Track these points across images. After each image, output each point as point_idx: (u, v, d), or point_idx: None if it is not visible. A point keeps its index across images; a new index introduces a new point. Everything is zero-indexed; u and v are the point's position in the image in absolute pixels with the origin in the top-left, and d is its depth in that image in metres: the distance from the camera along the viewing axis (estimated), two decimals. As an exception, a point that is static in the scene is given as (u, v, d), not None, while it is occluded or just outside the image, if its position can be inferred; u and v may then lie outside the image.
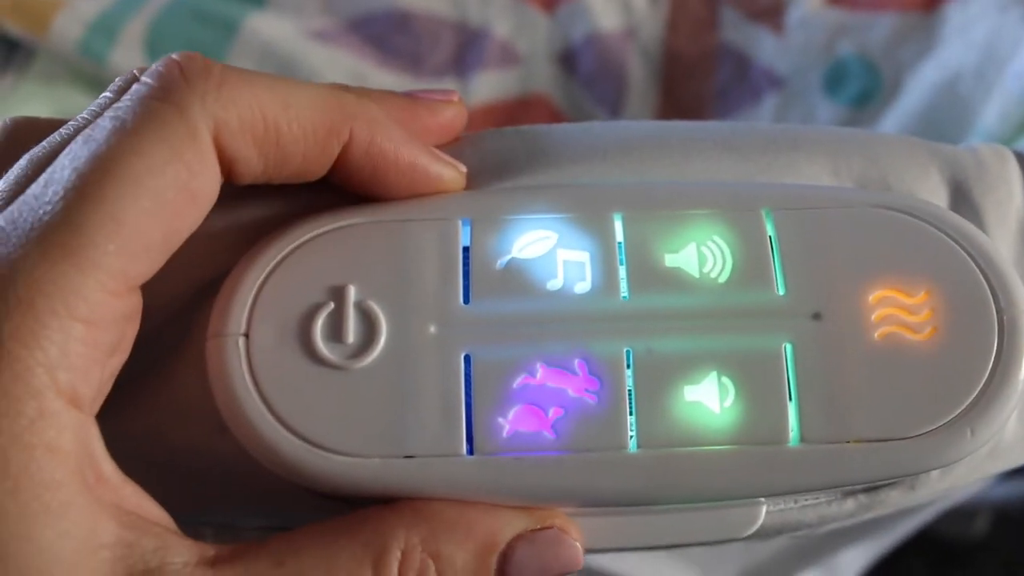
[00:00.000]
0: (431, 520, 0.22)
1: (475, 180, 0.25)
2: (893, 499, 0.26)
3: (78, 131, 0.22)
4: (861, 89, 0.75)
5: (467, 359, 0.23)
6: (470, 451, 0.22)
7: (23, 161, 0.23)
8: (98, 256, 0.20)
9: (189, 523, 0.27)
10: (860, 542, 0.57)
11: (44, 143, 0.23)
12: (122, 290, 0.20)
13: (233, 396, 0.22)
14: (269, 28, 0.73)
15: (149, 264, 0.21)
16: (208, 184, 0.22)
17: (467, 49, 0.76)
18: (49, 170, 0.21)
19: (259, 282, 0.23)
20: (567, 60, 0.77)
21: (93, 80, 0.77)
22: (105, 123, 0.21)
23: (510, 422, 0.22)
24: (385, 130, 0.23)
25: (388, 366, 0.23)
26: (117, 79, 0.24)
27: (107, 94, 0.24)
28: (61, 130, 0.24)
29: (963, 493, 0.53)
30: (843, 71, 0.75)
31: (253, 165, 0.22)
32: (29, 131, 0.26)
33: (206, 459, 0.24)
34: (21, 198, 0.21)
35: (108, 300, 0.20)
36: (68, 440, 0.19)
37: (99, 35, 0.75)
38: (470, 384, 0.23)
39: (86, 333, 0.20)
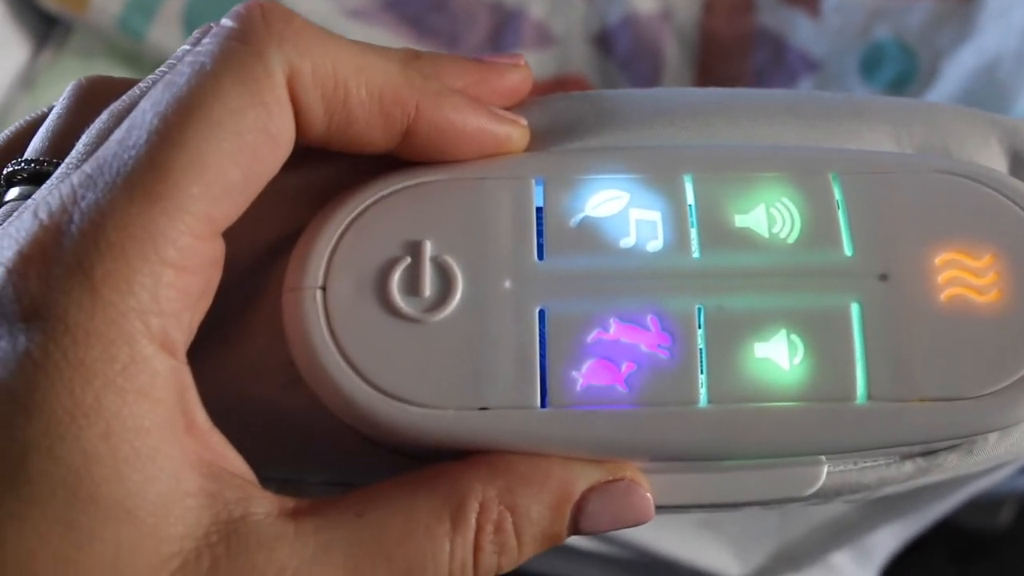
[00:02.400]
0: (507, 474, 0.22)
1: (544, 141, 0.26)
2: (951, 463, 0.27)
3: (156, 84, 0.22)
4: (897, 73, 0.75)
5: (541, 314, 0.23)
6: (544, 404, 0.23)
7: (104, 115, 0.24)
8: (184, 199, 0.20)
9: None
10: (892, 523, 0.58)
11: (124, 96, 0.24)
12: (208, 234, 0.21)
13: (310, 348, 0.23)
14: (306, 6, 0.74)
15: (232, 207, 0.21)
16: (285, 127, 0.22)
17: (503, 29, 0.76)
18: (131, 116, 0.21)
19: (336, 236, 0.23)
20: (603, 41, 0.77)
21: (131, 56, 0.77)
22: (185, 67, 0.21)
23: (583, 376, 0.23)
24: (451, 101, 0.24)
25: (464, 320, 0.23)
26: (195, 32, 0.25)
27: (185, 47, 0.24)
28: (140, 84, 0.24)
29: (989, 482, 0.53)
30: (879, 55, 0.75)
31: (318, 122, 0.22)
32: (103, 89, 0.27)
33: (273, 414, 0.25)
34: (105, 145, 0.21)
35: (195, 244, 0.20)
36: (160, 386, 0.20)
37: (138, 12, 0.75)
38: (544, 338, 0.23)
39: (176, 278, 0.20)
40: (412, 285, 0.23)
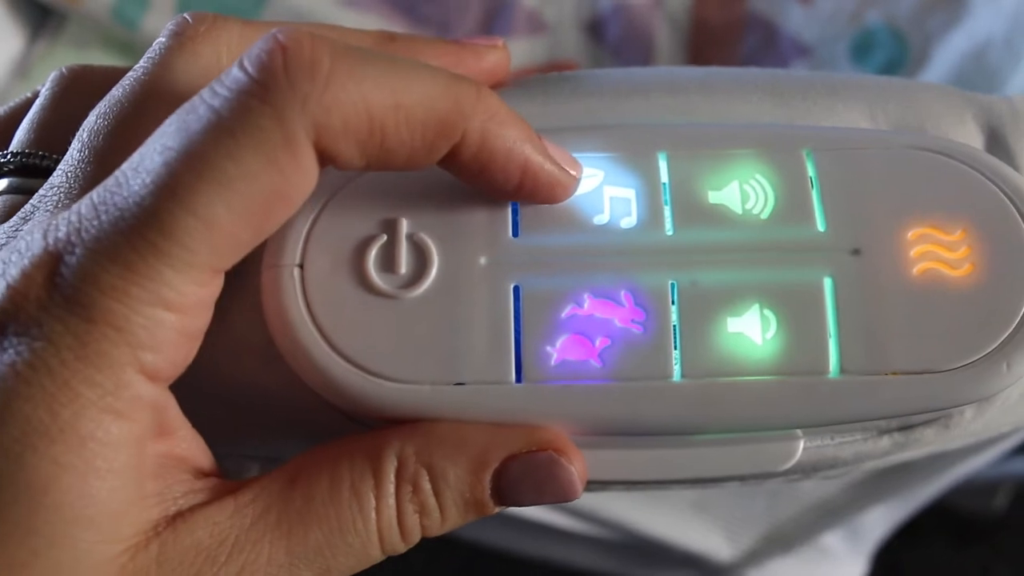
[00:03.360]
0: (426, 434, 0.23)
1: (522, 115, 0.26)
2: (928, 437, 0.27)
3: (170, 121, 0.21)
4: (888, 58, 0.75)
5: (516, 290, 0.23)
6: (519, 379, 0.23)
7: (93, 117, 0.24)
8: (189, 256, 0.20)
9: (236, 456, 0.28)
10: (883, 504, 0.58)
11: (120, 95, 0.24)
12: (211, 280, 0.21)
13: (288, 324, 0.23)
14: (300, -5, 0.74)
15: (239, 255, 0.21)
16: (302, 185, 0.21)
17: (495, 17, 0.76)
18: (140, 152, 0.21)
19: (314, 215, 0.24)
20: (594, 28, 0.77)
21: (125, 45, 0.78)
22: (200, 112, 0.20)
23: (558, 351, 0.23)
24: (501, 127, 0.22)
25: (439, 296, 0.23)
26: (177, 19, 0.25)
27: (162, 39, 0.24)
28: (125, 80, 0.24)
29: (983, 465, 0.53)
30: (870, 40, 0.75)
31: (355, 162, 0.21)
32: (86, 78, 0.27)
33: (254, 391, 0.25)
34: (114, 177, 0.21)
35: (197, 290, 0.20)
36: (138, 408, 0.20)
37: (131, 2, 0.75)
38: (519, 314, 0.23)
39: (176, 320, 0.20)
40: (388, 262, 0.23)
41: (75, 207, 0.21)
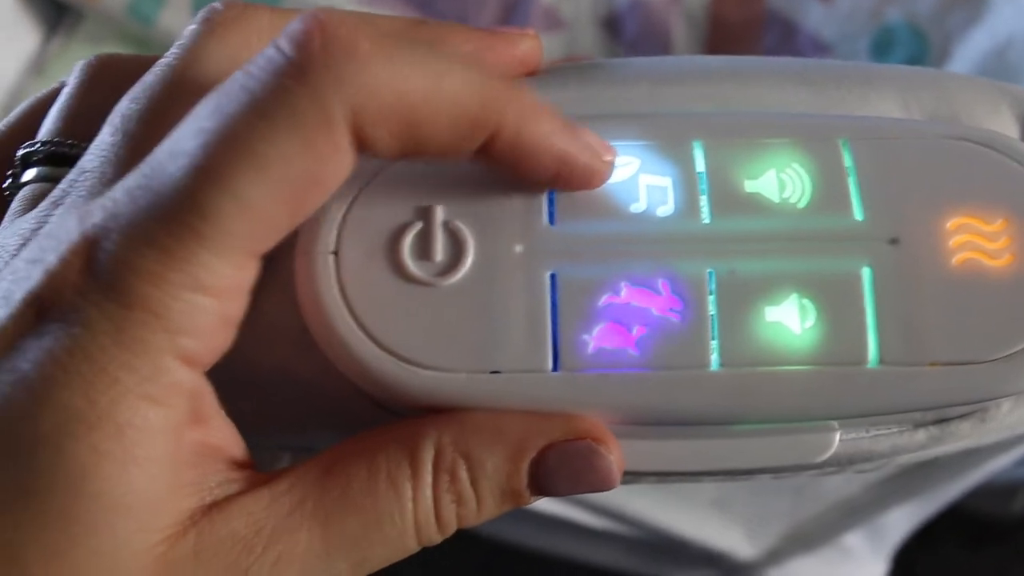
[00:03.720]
0: (463, 423, 0.23)
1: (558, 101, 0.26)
2: (964, 431, 0.27)
3: (204, 101, 0.21)
4: (908, 56, 0.75)
5: (553, 278, 0.23)
6: (555, 367, 0.23)
7: (127, 101, 0.23)
8: (227, 237, 0.20)
9: (268, 447, 0.28)
10: (905, 503, 0.58)
11: (151, 83, 0.24)
12: (249, 263, 0.21)
13: (322, 311, 0.23)
14: (316, -11, 0.74)
15: (275, 238, 0.21)
16: (339, 169, 0.21)
17: (512, 12, 0.76)
18: (175, 135, 0.20)
19: (349, 201, 0.24)
20: (612, 24, 0.77)
21: (141, 41, 0.78)
22: (235, 93, 0.20)
23: (595, 339, 0.23)
24: (536, 119, 0.22)
25: (475, 283, 0.23)
26: (200, 11, 0.24)
27: (193, 26, 0.24)
28: (154, 68, 0.24)
29: (1007, 465, 0.53)
30: (890, 38, 0.75)
31: (389, 148, 0.21)
32: (113, 67, 0.27)
33: (286, 378, 0.25)
34: (148, 160, 0.20)
35: (235, 273, 0.20)
36: (175, 394, 0.20)
37: (148, -2, 0.76)
38: (556, 302, 0.23)
39: (214, 304, 0.20)
40: (424, 249, 0.23)
41: (110, 192, 0.21)
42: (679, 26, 0.76)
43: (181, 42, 0.24)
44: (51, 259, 0.20)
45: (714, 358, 0.23)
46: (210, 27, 0.24)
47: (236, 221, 0.20)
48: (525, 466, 0.23)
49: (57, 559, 0.19)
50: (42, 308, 0.20)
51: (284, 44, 0.20)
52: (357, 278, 0.23)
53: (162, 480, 0.20)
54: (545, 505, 0.52)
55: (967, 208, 0.24)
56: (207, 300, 0.20)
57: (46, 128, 0.26)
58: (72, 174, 0.23)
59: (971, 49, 0.73)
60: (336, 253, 0.23)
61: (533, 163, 0.23)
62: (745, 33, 0.76)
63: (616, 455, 0.23)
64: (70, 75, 0.27)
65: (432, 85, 0.21)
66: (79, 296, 0.19)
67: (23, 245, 0.22)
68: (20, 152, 0.25)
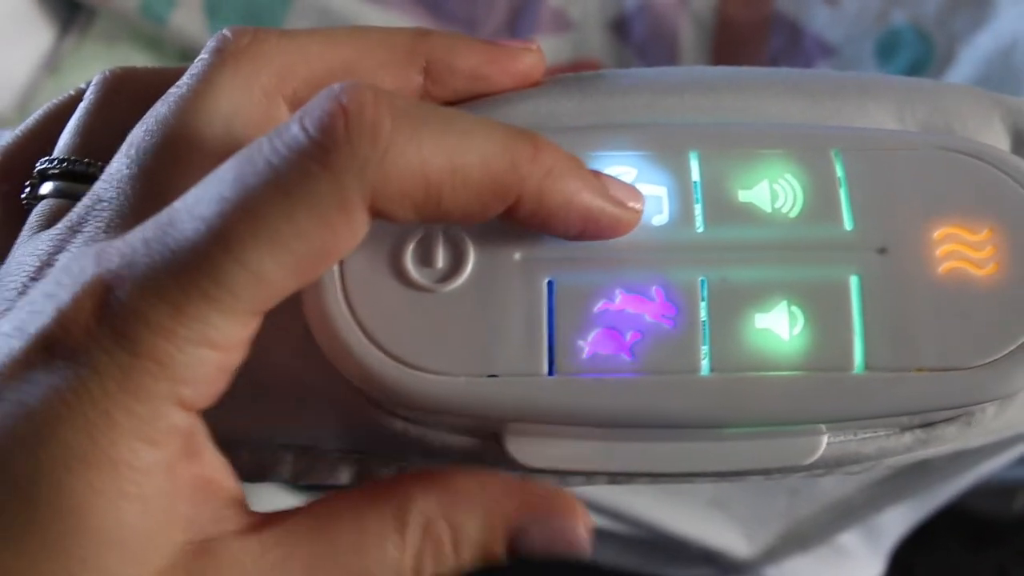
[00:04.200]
0: (448, 489, 0.23)
1: (563, 114, 0.27)
2: (950, 435, 0.27)
3: (228, 163, 0.22)
4: (913, 59, 0.75)
5: (550, 284, 0.24)
6: (551, 371, 0.24)
7: (141, 131, 0.24)
8: (237, 303, 0.20)
9: (272, 446, 0.29)
10: (900, 504, 0.58)
11: (166, 105, 0.24)
12: (253, 321, 0.21)
13: (327, 315, 0.24)
14: (327, -9, 0.74)
15: (280, 299, 0.22)
16: (350, 243, 0.21)
17: (521, 14, 0.77)
18: (196, 195, 0.21)
19: None
20: (619, 26, 0.77)
21: (153, 40, 0.79)
22: (260, 166, 0.21)
23: (590, 344, 0.24)
24: (560, 180, 0.22)
25: (475, 290, 0.24)
26: (210, 41, 0.25)
27: (204, 56, 0.25)
28: (173, 89, 0.25)
29: (1001, 467, 0.53)
30: (896, 40, 0.75)
31: (408, 218, 0.22)
32: (129, 82, 0.28)
33: (290, 380, 0.26)
34: (165, 217, 0.21)
35: (240, 331, 0.21)
36: (172, 435, 0.21)
37: (160, -3, 0.76)
38: (552, 308, 0.24)
39: (217, 358, 0.21)
40: (425, 256, 0.24)
41: (127, 238, 0.21)
42: (687, 28, 0.77)
43: (194, 71, 0.25)
44: (65, 297, 0.21)
45: (705, 363, 0.24)
46: (221, 58, 0.24)
47: (247, 289, 0.20)
48: (502, 532, 0.23)
49: None
50: (52, 344, 0.20)
51: (308, 125, 0.20)
52: (361, 284, 0.24)
53: (155, 515, 0.21)
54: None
55: (954, 218, 0.25)
56: (212, 354, 0.21)
57: (63, 143, 0.27)
58: (88, 200, 0.24)
59: (976, 51, 0.73)
60: (340, 260, 0.24)
61: (559, 223, 0.23)
62: (752, 35, 0.77)
63: (585, 524, 0.24)
64: (88, 87, 0.28)
65: (453, 161, 0.21)
66: (89, 339, 0.20)
67: (40, 269, 0.23)
68: (38, 167, 0.26)
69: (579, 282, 0.24)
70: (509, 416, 0.24)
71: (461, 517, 0.23)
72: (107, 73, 0.28)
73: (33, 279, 0.22)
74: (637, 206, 0.24)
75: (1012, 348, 0.24)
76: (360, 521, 0.23)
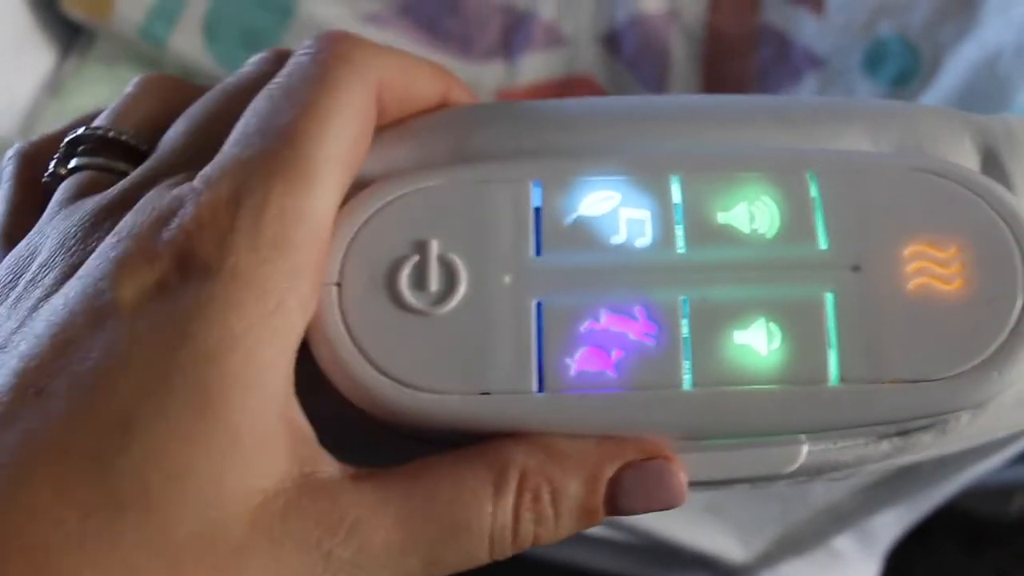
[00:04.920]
0: (547, 449, 0.25)
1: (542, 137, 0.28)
2: (925, 442, 0.28)
3: (273, 94, 0.25)
4: (901, 69, 0.76)
5: (539, 306, 0.25)
6: (540, 388, 0.25)
7: (198, 110, 0.27)
8: (324, 184, 0.24)
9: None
10: (893, 508, 0.59)
11: (214, 101, 0.27)
12: (334, 214, 0.24)
13: (327, 338, 0.25)
14: (324, 12, 0.76)
15: (345, 190, 0.25)
16: (374, 125, 0.26)
17: (514, 31, 0.78)
18: (264, 116, 0.24)
19: (351, 237, 0.26)
20: (611, 41, 0.78)
21: (153, 62, 0.80)
22: (301, 82, 0.25)
23: (576, 362, 0.25)
24: (465, 94, 0.29)
25: (467, 312, 0.25)
26: (260, 56, 0.28)
27: (254, 67, 0.28)
28: (210, 94, 0.28)
29: (989, 470, 0.54)
30: (883, 51, 0.76)
31: (386, 117, 0.27)
32: (167, 84, 0.29)
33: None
34: (244, 136, 0.24)
35: (329, 225, 0.24)
36: (291, 337, 0.23)
37: (159, 20, 0.77)
38: (541, 328, 0.25)
39: (319, 250, 0.24)
40: (420, 281, 0.25)
41: (221, 163, 0.24)
42: (677, 42, 0.78)
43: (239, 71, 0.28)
44: (190, 211, 0.23)
45: (687, 378, 0.25)
46: (267, 64, 0.28)
47: (330, 170, 0.24)
48: (603, 487, 0.25)
49: (177, 482, 0.21)
50: (182, 257, 0.22)
51: (323, 44, 0.26)
52: (358, 307, 0.25)
53: (269, 419, 0.22)
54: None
55: (923, 236, 0.26)
56: (312, 245, 0.23)
57: (98, 121, 0.28)
58: (151, 161, 0.26)
59: (962, 61, 0.74)
60: (339, 284, 0.25)
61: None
62: (741, 47, 0.78)
63: (683, 472, 0.25)
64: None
65: (409, 68, 0.27)
66: (216, 248, 0.22)
67: (100, 220, 0.25)
68: (68, 137, 0.28)
69: (566, 303, 0.25)
70: (502, 431, 0.25)
71: (559, 475, 0.24)
72: (150, 73, 0.30)
73: (121, 227, 0.24)
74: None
75: (980, 359, 0.25)
76: (458, 477, 0.24)
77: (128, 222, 0.24)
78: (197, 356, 0.22)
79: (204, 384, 0.21)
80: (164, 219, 0.23)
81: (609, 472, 0.25)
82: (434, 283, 0.25)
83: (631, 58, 0.78)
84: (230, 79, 0.28)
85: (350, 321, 0.25)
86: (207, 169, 0.24)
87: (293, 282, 0.23)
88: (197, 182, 0.23)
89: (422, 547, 0.24)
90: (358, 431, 0.27)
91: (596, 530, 0.60)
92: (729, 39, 0.78)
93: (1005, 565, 1.00)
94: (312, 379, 0.25)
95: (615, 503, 0.25)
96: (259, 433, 0.22)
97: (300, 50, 0.26)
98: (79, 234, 0.24)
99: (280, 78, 0.25)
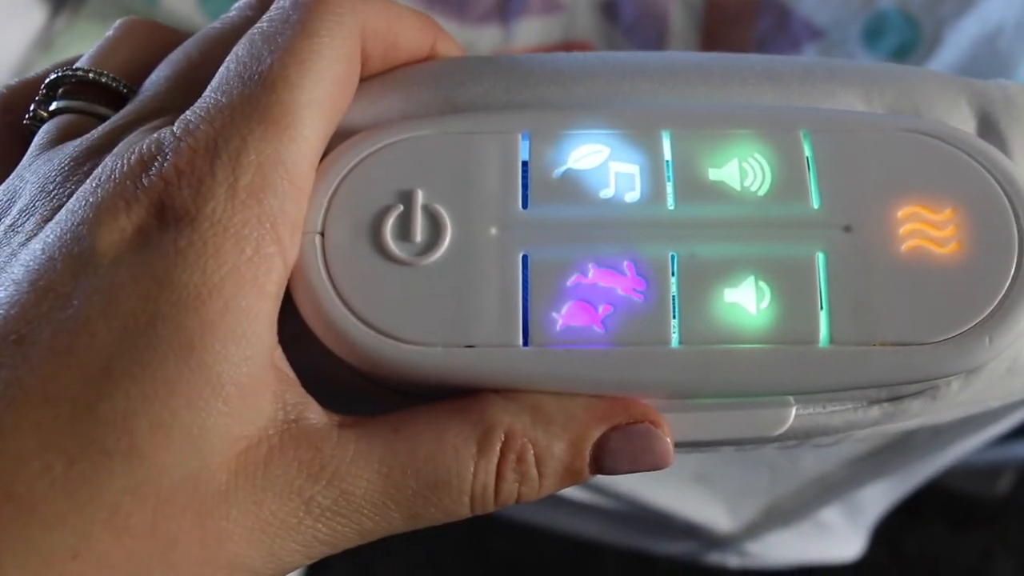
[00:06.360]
0: (533, 410, 0.24)
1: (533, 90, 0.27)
2: (915, 408, 0.28)
3: (254, 37, 0.25)
4: (900, 42, 0.76)
5: (525, 259, 0.25)
6: (525, 342, 0.24)
7: (180, 55, 0.27)
8: (304, 129, 0.23)
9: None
10: (881, 481, 0.59)
11: (195, 46, 0.27)
12: (317, 160, 0.24)
13: (310, 287, 0.24)
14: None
15: (327, 137, 0.25)
16: (358, 73, 0.26)
17: (511, -5, 0.77)
18: (244, 62, 0.24)
19: (334, 186, 0.25)
20: (609, 8, 0.78)
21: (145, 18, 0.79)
22: (282, 25, 0.25)
23: (563, 317, 0.24)
24: (448, 38, 0.29)
25: (452, 263, 0.25)
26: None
27: (244, 10, 0.27)
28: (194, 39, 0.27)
29: (979, 446, 0.54)
30: (883, 23, 0.76)
31: (372, 67, 0.27)
32: (149, 29, 0.29)
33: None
34: (224, 82, 0.24)
35: (308, 169, 0.24)
36: (272, 282, 0.23)
37: (152, -24, 0.76)
38: (527, 281, 0.25)
39: (296, 195, 0.23)
40: (404, 231, 0.25)
41: (200, 108, 0.23)
42: (675, 10, 0.77)
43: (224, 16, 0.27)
44: (169, 157, 0.23)
45: (674, 336, 0.24)
46: (251, 9, 0.28)
47: (310, 115, 0.24)
48: (588, 449, 0.25)
49: (161, 429, 0.21)
50: (160, 204, 0.22)
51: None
52: (342, 257, 0.25)
53: (254, 366, 0.22)
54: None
55: (917, 198, 0.25)
56: (292, 190, 0.23)
57: (77, 65, 0.28)
58: (132, 104, 0.26)
59: (962, 35, 0.74)
60: (322, 233, 0.25)
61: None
62: (740, 17, 0.77)
63: (670, 436, 0.25)
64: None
65: (398, 17, 0.27)
66: (195, 193, 0.22)
67: (80, 164, 0.24)
68: (49, 78, 0.27)
69: (553, 256, 0.25)
70: (486, 385, 0.25)
71: (544, 436, 0.24)
72: (131, 17, 0.29)
73: (105, 169, 0.23)
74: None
75: (972, 324, 0.25)
76: (440, 432, 0.24)
77: (107, 166, 0.23)
78: (177, 303, 0.21)
79: (185, 331, 0.21)
80: (143, 164, 0.23)
81: (595, 435, 0.25)
82: (419, 234, 0.25)
83: (629, 26, 0.77)
84: (213, 24, 0.27)
85: (333, 271, 0.25)
86: (187, 114, 0.23)
87: (271, 228, 0.23)
88: (176, 127, 0.23)
89: (403, 501, 0.23)
90: (344, 385, 0.26)
91: (585, 497, 0.60)
92: (728, 8, 0.77)
93: (991, 545, 1.01)
94: (298, 331, 0.25)
95: (600, 464, 0.25)
96: (242, 380, 0.22)
97: None
98: (58, 178, 0.24)
99: (262, 23, 0.25)
